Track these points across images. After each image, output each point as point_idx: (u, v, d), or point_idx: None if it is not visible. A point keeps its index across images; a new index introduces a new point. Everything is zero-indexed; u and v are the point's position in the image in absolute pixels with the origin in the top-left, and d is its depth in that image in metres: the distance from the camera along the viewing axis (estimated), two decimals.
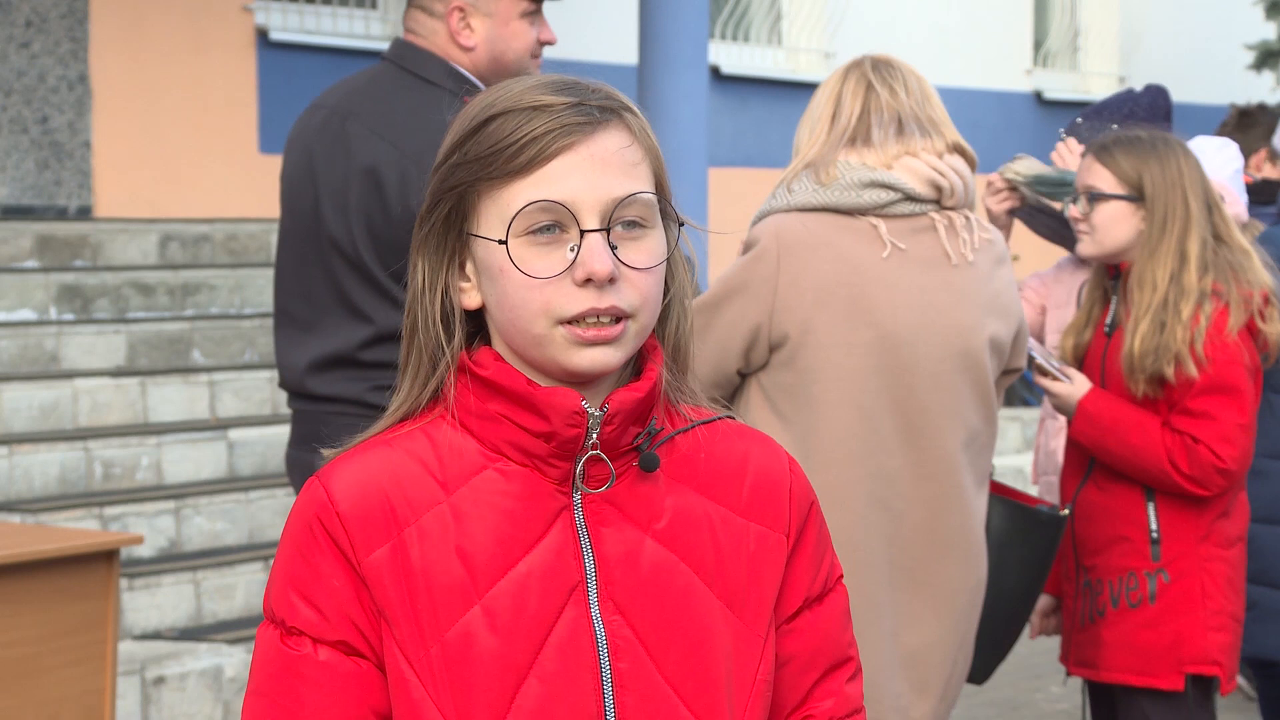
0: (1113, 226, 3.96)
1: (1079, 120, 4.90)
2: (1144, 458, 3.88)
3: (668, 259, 1.82)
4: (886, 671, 3.37)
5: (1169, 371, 3.83)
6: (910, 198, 3.38)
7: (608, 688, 1.77)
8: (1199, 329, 3.83)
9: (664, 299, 1.83)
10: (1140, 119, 4.62)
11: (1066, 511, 3.82)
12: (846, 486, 3.33)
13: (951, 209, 3.43)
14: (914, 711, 3.43)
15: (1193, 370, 3.84)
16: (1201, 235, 3.89)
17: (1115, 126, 4.52)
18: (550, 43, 3.87)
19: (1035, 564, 3.76)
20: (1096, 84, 13.99)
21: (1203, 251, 3.88)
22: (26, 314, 7.54)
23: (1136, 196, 3.92)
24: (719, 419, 1.90)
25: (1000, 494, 3.75)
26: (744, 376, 3.46)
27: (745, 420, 3.40)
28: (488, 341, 1.84)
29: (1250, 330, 3.89)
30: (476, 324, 1.85)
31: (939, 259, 3.40)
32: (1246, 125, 6.94)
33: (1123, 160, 3.94)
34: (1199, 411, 3.85)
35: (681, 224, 1.84)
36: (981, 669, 3.76)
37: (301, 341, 3.72)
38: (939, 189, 3.40)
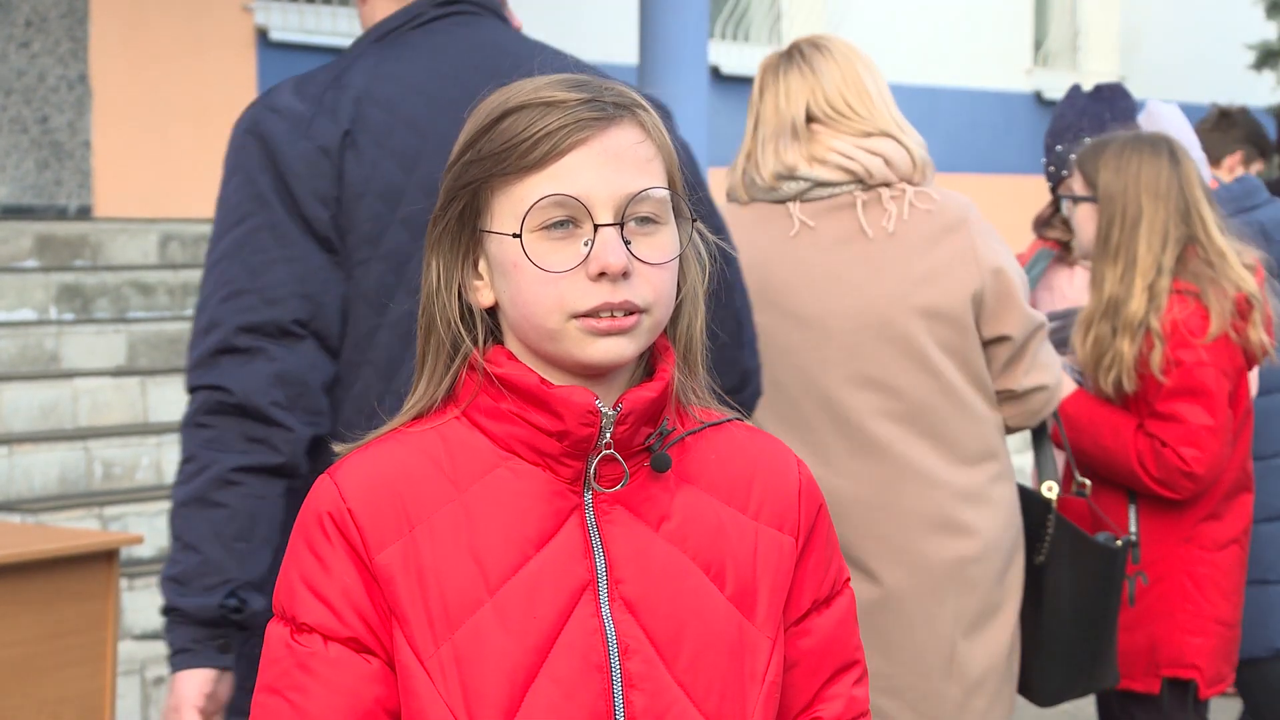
0: (1083, 228, 4.02)
1: (1059, 149, 4.76)
2: (1116, 460, 3.90)
3: (682, 258, 1.82)
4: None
5: (1106, 385, 3.86)
6: (822, 183, 3.42)
7: (617, 687, 1.77)
8: (1155, 351, 3.82)
9: (677, 297, 1.83)
10: (1128, 114, 4.60)
11: (1121, 542, 3.70)
12: None
13: (884, 185, 3.43)
14: (927, 702, 3.42)
15: (1128, 387, 3.86)
16: (1153, 239, 3.87)
17: (1060, 149, 4.52)
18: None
19: (1091, 591, 3.67)
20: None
21: (1156, 256, 3.87)
22: (26, 314, 7.54)
23: (1095, 198, 3.95)
24: (729, 420, 1.91)
25: (1067, 513, 3.72)
26: None
27: None
28: (500, 341, 1.84)
29: (1237, 333, 3.88)
30: (487, 323, 1.84)
31: (853, 234, 3.41)
32: (1226, 126, 6.92)
33: (1087, 162, 4.00)
34: (1166, 414, 3.88)
35: (695, 220, 1.84)
36: (1045, 691, 3.70)
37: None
38: (852, 172, 3.41)
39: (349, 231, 2.72)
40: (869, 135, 3.42)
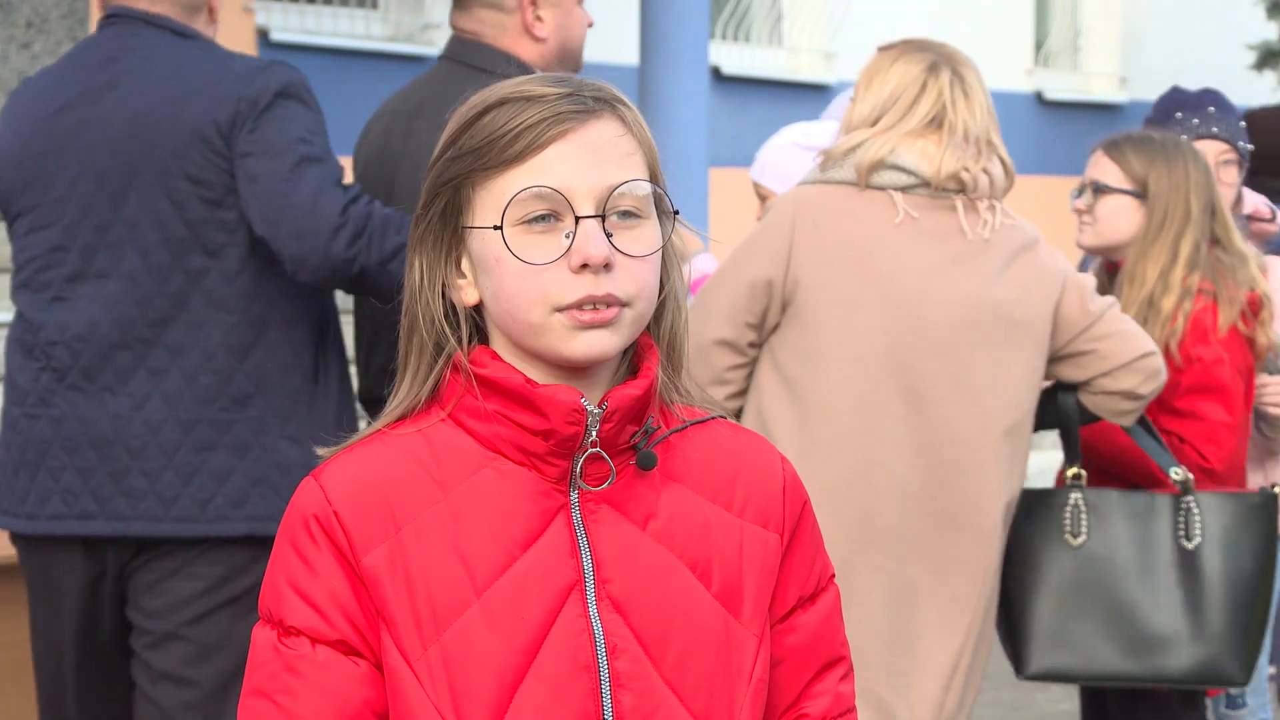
0: (1114, 220, 4.04)
1: (1211, 110, 4.73)
2: (1132, 457, 3.91)
3: (664, 256, 1.83)
4: (875, 642, 3.38)
5: None
6: (927, 183, 3.47)
7: (606, 686, 1.77)
8: (1175, 328, 3.88)
9: (659, 294, 1.84)
10: (1240, 120, 4.59)
11: (1277, 487, 3.83)
12: (842, 439, 3.40)
13: (977, 198, 3.52)
14: (913, 694, 3.44)
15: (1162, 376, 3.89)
16: (1196, 237, 3.98)
17: (1196, 122, 4.48)
18: (590, 25, 4.01)
19: (1265, 548, 3.77)
20: (1097, 84, 13.99)
21: (1194, 253, 3.97)
22: None
23: (1140, 193, 3.98)
24: (712, 418, 1.91)
25: (1207, 490, 3.81)
26: (757, 347, 3.54)
27: (754, 387, 3.49)
28: (484, 341, 1.85)
29: (1245, 323, 3.94)
30: (471, 323, 1.85)
31: (952, 232, 3.48)
32: None
33: (1132, 157, 4.03)
34: (1185, 411, 3.91)
35: (676, 212, 1.85)
36: (1238, 664, 3.74)
37: (376, 345, 3.86)
38: (961, 181, 3.48)
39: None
40: (984, 153, 3.50)
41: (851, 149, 3.49)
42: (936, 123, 3.48)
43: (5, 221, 3.66)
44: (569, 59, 3.94)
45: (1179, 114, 4.59)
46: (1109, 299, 3.60)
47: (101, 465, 3.49)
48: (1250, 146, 4.50)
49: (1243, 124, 4.50)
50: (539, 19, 3.86)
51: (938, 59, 3.56)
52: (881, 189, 3.47)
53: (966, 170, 3.47)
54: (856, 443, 3.40)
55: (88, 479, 3.50)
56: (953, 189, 3.48)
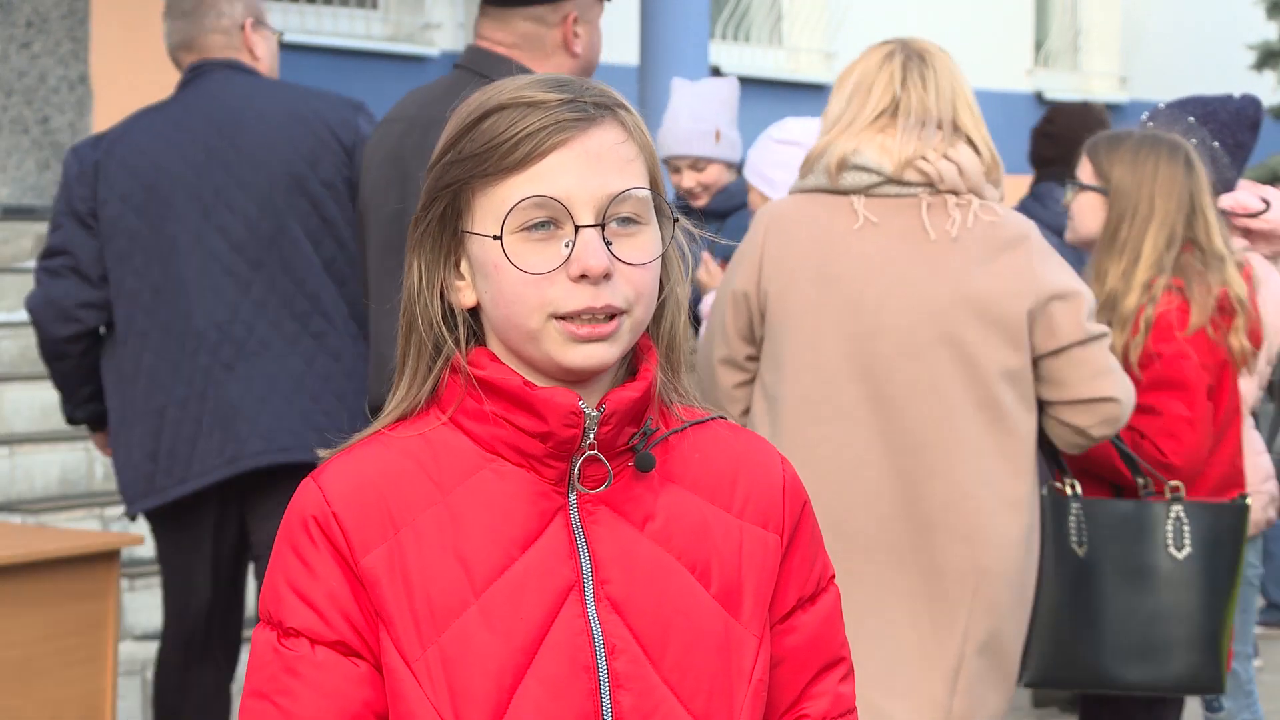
0: (1084, 216, 4.09)
1: (1161, 107, 4.75)
2: (1095, 454, 3.92)
3: (663, 258, 1.82)
4: (860, 646, 3.37)
5: None
6: (892, 180, 3.46)
7: (605, 687, 1.77)
8: (1136, 339, 3.88)
9: (659, 297, 1.84)
10: (1221, 121, 4.55)
11: (1250, 500, 3.90)
12: (810, 447, 3.40)
13: (952, 192, 3.48)
14: (916, 697, 3.43)
15: None
16: (1162, 238, 3.94)
17: (1191, 120, 4.47)
18: None
19: (1236, 557, 3.86)
20: (1097, 84, 13.99)
21: (1159, 254, 3.94)
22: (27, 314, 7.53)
23: (1104, 190, 3.99)
24: (712, 419, 1.91)
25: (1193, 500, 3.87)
26: (756, 360, 3.56)
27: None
28: (482, 343, 1.84)
29: (1215, 329, 3.92)
30: (469, 325, 1.85)
31: (916, 234, 3.46)
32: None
33: (1102, 155, 4.06)
34: (1145, 406, 3.90)
35: (676, 220, 1.85)
36: (1220, 670, 3.84)
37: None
38: (925, 174, 3.45)
39: (99, 217, 4.41)
40: (947, 137, 3.48)
41: (822, 154, 3.51)
42: (890, 111, 3.47)
43: (113, 227, 4.36)
44: (589, 74, 3.96)
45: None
46: (1104, 328, 3.55)
47: (249, 428, 4.26)
48: (1215, 143, 4.45)
49: (1191, 119, 4.45)
50: (577, 34, 3.89)
51: (899, 47, 3.55)
52: (846, 193, 3.47)
53: (925, 159, 3.44)
54: (824, 450, 3.40)
55: (231, 435, 4.26)
56: (915, 181, 3.45)
